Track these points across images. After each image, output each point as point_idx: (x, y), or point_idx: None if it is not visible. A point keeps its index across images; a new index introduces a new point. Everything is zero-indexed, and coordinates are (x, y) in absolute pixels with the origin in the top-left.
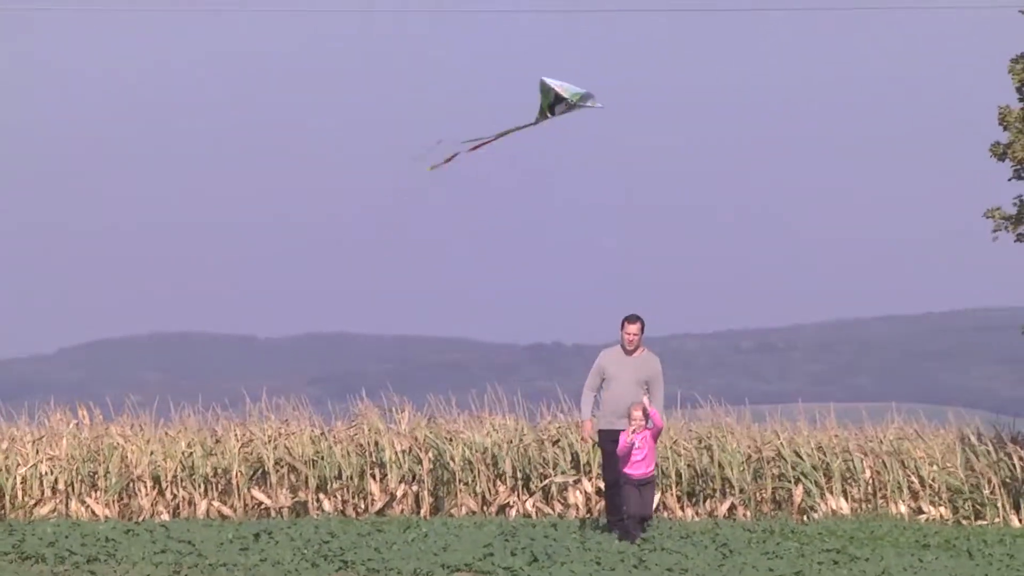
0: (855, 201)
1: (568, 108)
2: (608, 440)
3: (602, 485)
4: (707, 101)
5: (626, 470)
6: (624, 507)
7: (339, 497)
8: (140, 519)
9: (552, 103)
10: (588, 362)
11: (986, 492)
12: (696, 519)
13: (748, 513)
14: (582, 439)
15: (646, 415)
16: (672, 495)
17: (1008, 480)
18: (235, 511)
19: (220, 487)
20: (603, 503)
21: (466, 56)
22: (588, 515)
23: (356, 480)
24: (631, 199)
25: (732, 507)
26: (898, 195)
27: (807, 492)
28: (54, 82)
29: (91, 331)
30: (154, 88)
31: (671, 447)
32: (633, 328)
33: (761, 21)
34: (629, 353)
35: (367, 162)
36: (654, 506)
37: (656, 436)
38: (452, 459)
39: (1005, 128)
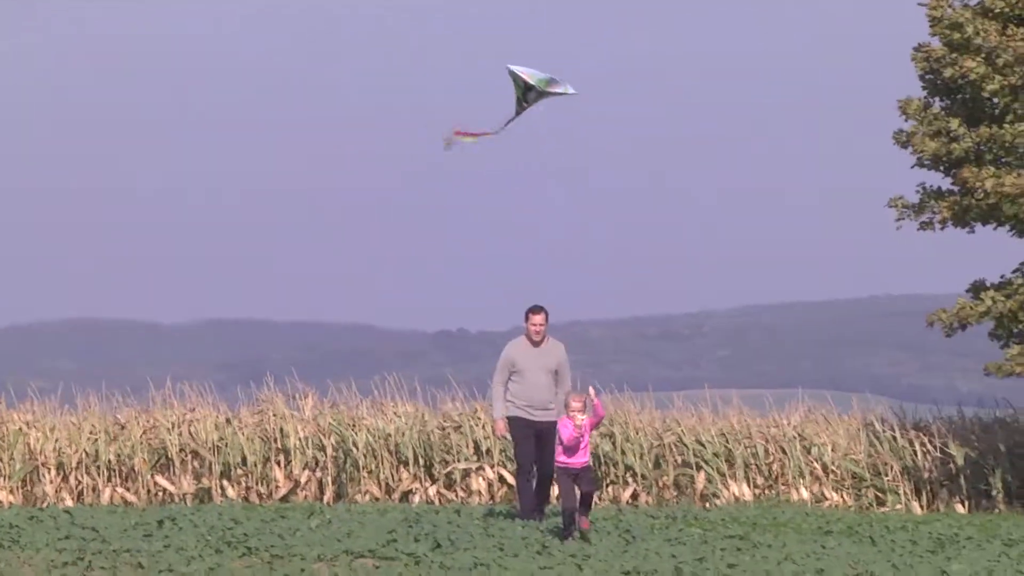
0: (761, 190)
1: (539, 96)
2: (520, 427)
3: (504, 473)
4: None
5: (566, 459)
6: (562, 501)
7: (243, 483)
8: (44, 505)
9: (524, 91)
10: (494, 348)
11: (888, 479)
12: (598, 505)
13: (650, 500)
14: (496, 433)
15: (586, 405)
16: None
17: (910, 467)
18: (139, 497)
19: (124, 473)
20: (505, 490)
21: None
22: (491, 501)
23: (260, 466)
24: (549, 182)
25: (635, 494)
26: (799, 183)
27: (709, 479)
28: None
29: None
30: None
31: None
32: (538, 319)
33: None
34: (535, 344)
35: (273, 146)
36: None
37: (596, 425)
38: (355, 445)
39: (907, 119)
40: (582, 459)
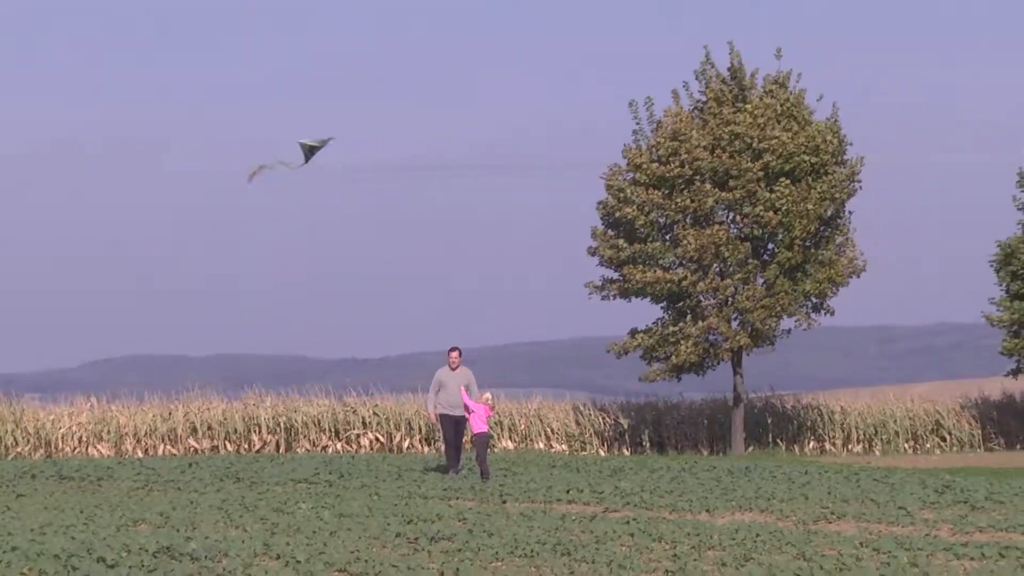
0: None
1: (318, 149)
2: (445, 420)
3: (379, 436)
4: None
5: (475, 429)
6: (476, 458)
7: (236, 443)
8: (126, 457)
9: (311, 150)
10: (375, 369)
11: (587, 436)
12: (427, 452)
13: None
14: (430, 421)
15: (486, 402)
16: (418, 438)
17: (599, 429)
18: (179, 451)
19: (171, 438)
20: (379, 446)
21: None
22: (370, 451)
23: (245, 433)
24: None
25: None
26: (555, 279)
27: (491, 436)
28: None
29: (100, 351)
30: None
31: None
32: (455, 355)
33: None
34: (453, 369)
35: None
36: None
37: (487, 412)
38: (296, 422)
39: (595, 239)
40: (481, 428)
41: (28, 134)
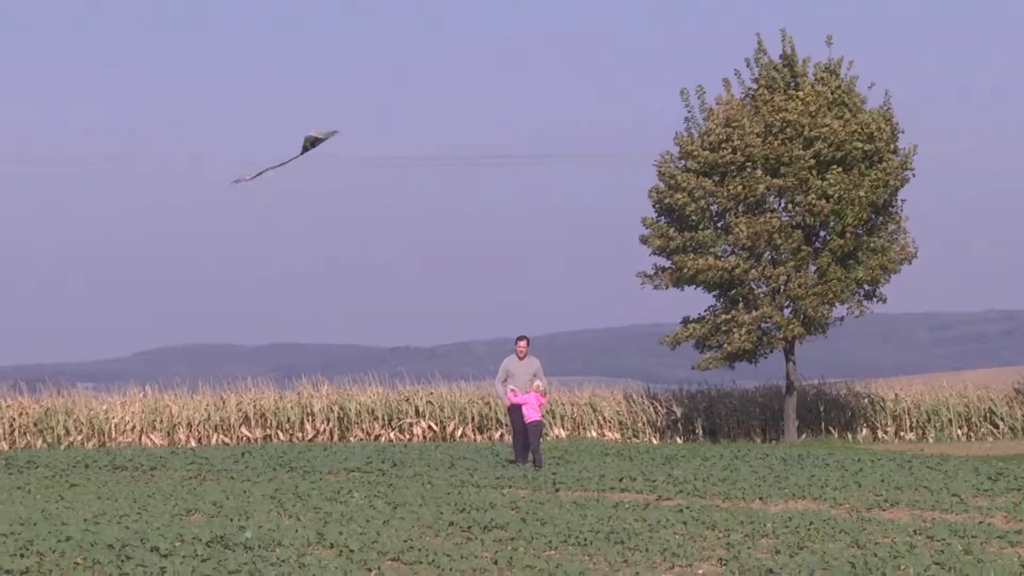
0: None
1: (321, 142)
2: (515, 410)
3: (432, 424)
4: None
5: (527, 417)
6: (530, 447)
7: (288, 432)
8: (179, 446)
9: (313, 142)
10: (428, 357)
11: (639, 424)
12: (479, 441)
13: (509, 438)
14: (508, 404)
15: (537, 389)
16: (471, 427)
17: (651, 418)
18: (231, 440)
19: (223, 427)
20: (432, 435)
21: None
22: (423, 440)
23: (298, 423)
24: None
25: (502, 435)
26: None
27: (544, 425)
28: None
29: (152, 341)
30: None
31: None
32: (522, 343)
33: None
34: (521, 358)
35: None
36: (540, 441)
37: (540, 400)
38: (350, 410)
39: (647, 228)
40: (534, 416)
41: (85, 129)
